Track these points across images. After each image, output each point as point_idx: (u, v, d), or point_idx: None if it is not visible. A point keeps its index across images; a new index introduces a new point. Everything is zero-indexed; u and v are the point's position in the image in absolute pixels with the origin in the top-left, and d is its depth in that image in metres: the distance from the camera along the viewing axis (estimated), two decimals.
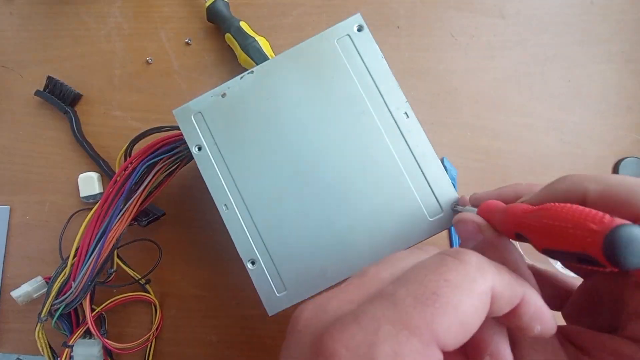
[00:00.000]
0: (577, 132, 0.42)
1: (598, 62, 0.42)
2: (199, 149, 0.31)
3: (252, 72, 0.31)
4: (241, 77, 0.31)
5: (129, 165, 0.35)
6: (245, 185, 0.30)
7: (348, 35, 0.30)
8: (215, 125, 0.31)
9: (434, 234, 0.29)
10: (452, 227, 0.40)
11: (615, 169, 0.41)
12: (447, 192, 0.29)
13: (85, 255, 0.34)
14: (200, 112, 0.31)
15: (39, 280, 0.40)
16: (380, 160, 0.29)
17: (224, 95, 0.31)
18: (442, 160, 0.41)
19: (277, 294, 0.29)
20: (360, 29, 0.30)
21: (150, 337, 0.40)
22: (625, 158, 0.41)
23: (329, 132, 0.30)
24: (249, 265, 0.30)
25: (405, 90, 0.43)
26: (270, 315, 0.29)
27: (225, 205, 0.30)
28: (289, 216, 0.30)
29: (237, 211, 0.30)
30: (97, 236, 0.34)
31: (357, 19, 0.30)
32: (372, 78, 0.30)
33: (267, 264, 0.29)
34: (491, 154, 0.42)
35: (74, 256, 0.35)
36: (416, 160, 0.29)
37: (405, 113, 0.30)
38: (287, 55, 0.31)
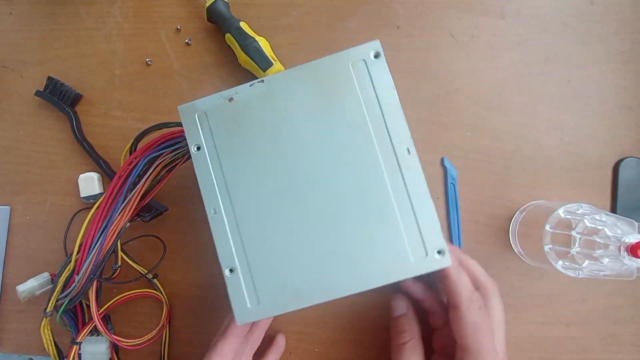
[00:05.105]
0: (577, 132, 0.42)
1: (598, 62, 0.42)
2: (198, 148, 0.31)
3: (262, 81, 0.30)
4: (251, 85, 0.31)
5: (134, 159, 0.35)
6: (237, 193, 0.30)
7: (364, 60, 0.30)
8: (218, 128, 0.31)
9: (413, 276, 0.28)
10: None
11: (615, 169, 0.41)
12: (435, 237, 0.28)
13: (89, 249, 0.35)
14: (205, 113, 0.31)
15: (45, 276, 0.40)
16: (374, 191, 0.29)
17: (231, 99, 0.31)
18: (442, 160, 0.41)
19: (249, 306, 0.29)
20: (377, 56, 0.30)
21: (161, 330, 0.40)
22: (625, 158, 0.41)
23: (328, 154, 0.29)
24: (227, 273, 0.29)
25: (405, 90, 0.43)
26: (238, 324, 0.29)
27: (214, 209, 0.30)
28: (275, 231, 0.29)
29: (224, 217, 0.30)
30: (100, 230, 0.35)
31: (375, 45, 0.30)
32: (381, 107, 0.29)
33: (244, 274, 0.29)
34: (491, 154, 0.42)
35: (78, 251, 0.35)
36: (409, 198, 0.28)
37: (408, 149, 0.29)
38: (300, 70, 0.30)
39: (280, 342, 0.40)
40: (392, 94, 0.29)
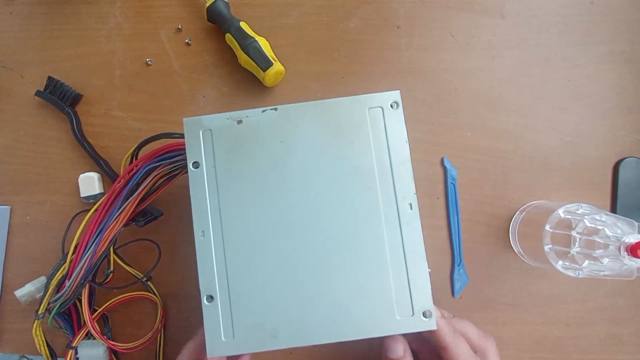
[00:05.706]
0: (577, 132, 0.42)
1: (598, 62, 0.42)
2: (197, 165, 0.30)
3: (275, 109, 0.30)
4: (263, 111, 0.30)
5: (135, 167, 0.35)
6: (229, 219, 0.29)
7: (381, 107, 0.29)
8: (221, 149, 0.30)
9: (397, 333, 0.28)
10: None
11: (615, 169, 0.41)
12: (424, 298, 0.28)
13: (82, 253, 0.35)
14: (210, 130, 0.30)
15: (42, 280, 0.40)
16: (370, 241, 0.28)
17: (239, 122, 0.30)
18: (442, 160, 0.41)
19: (223, 339, 0.28)
20: (394, 106, 0.29)
21: (155, 333, 0.40)
22: (625, 158, 0.41)
23: (330, 195, 0.29)
24: (206, 301, 0.28)
25: (405, 90, 0.43)
26: (208, 356, 0.28)
27: (203, 232, 0.29)
28: (262, 266, 0.28)
29: (212, 242, 0.29)
30: (94, 235, 0.35)
31: (394, 96, 0.30)
32: (390, 158, 0.29)
33: (223, 305, 0.28)
34: (491, 154, 0.42)
35: (73, 252, 0.35)
36: (404, 255, 0.28)
37: (410, 204, 0.28)
38: (316, 105, 0.30)
39: None
40: (404, 146, 0.29)
